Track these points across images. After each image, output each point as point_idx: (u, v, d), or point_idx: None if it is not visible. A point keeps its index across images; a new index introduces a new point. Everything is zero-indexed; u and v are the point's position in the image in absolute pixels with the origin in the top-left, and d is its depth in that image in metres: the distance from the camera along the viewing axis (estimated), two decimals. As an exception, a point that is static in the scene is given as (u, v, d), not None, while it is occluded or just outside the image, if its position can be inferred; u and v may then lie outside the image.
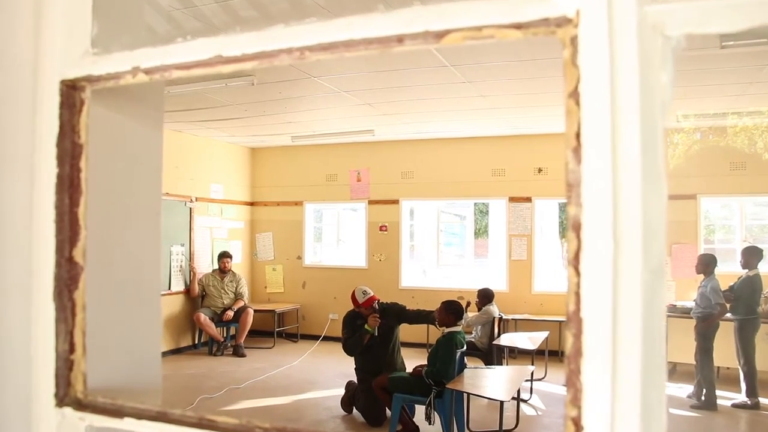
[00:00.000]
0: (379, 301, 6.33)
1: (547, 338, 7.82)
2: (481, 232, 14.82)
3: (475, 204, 11.57)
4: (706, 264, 6.95)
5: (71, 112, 0.90)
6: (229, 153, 11.03)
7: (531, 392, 7.13)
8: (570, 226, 0.62)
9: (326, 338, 10.57)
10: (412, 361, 6.85)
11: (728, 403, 6.86)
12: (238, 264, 10.86)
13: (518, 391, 5.81)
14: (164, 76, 0.83)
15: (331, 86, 6.74)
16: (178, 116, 8.43)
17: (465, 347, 5.77)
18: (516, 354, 8.83)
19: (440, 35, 0.70)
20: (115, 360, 0.97)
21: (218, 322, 9.66)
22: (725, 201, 9.41)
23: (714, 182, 8.87)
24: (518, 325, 9.29)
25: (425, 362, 5.76)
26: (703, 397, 6.78)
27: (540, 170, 9.75)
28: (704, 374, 6.78)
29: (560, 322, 8.79)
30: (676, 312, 7.94)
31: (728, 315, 6.97)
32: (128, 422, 0.83)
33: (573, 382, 0.61)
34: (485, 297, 7.93)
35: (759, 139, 8.50)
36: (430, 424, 5.47)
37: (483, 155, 10.05)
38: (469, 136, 9.99)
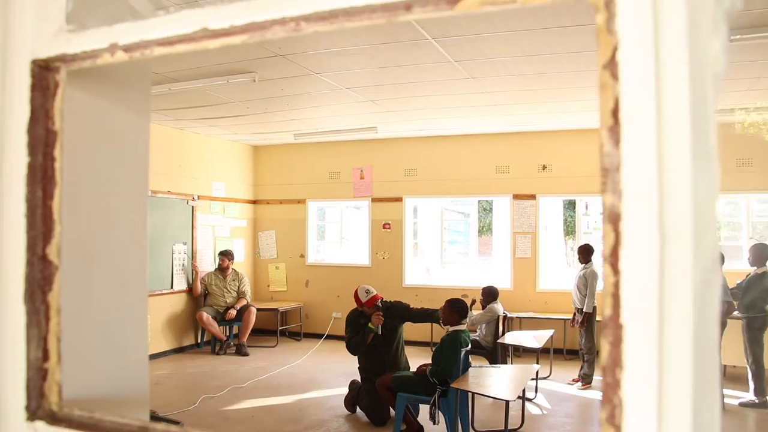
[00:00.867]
0: (382, 299, 6.27)
1: (552, 336, 7.74)
2: (485, 229, 14.73)
3: (479, 201, 11.47)
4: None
5: (44, 95, 0.82)
6: (232, 151, 10.97)
7: (536, 391, 7.06)
8: (606, 218, 0.54)
9: (329, 337, 10.52)
10: (416, 359, 6.78)
11: (736, 402, 6.77)
12: (240, 262, 10.81)
13: (523, 390, 5.73)
14: (145, 54, 0.74)
15: (333, 83, 6.67)
16: (180, 114, 8.37)
17: (470, 346, 5.70)
18: (520, 352, 8.77)
19: (454, 0, 0.61)
20: (96, 368, 0.88)
21: (221, 321, 9.61)
22: (731, 198, 9.30)
23: (723, 180, 8.75)
24: (523, 324, 9.22)
25: (429, 361, 5.69)
26: (710, 396, 6.69)
27: (544, 167, 9.67)
28: (712, 373, 6.68)
29: (565, 320, 8.74)
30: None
31: (735, 313, 6.90)
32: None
33: (609, 398, 0.53)
34: (490, 295, 7.86)
35: (767, 135, 8.41)
36: (434, 423, 5.40)
37: (487, 152, 9.98)
38: (473, 133, 9.91)
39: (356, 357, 6.40)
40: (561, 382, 7.72)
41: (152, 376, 8.02)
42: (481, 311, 7.78)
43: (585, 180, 9.44)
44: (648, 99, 0.52)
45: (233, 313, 9.59)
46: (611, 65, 0.54)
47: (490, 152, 9.96)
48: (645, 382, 0.51)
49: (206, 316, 9.41)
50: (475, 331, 7.74)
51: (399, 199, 10.49)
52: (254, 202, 11.49)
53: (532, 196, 9.75)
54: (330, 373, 8.22)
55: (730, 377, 7.56)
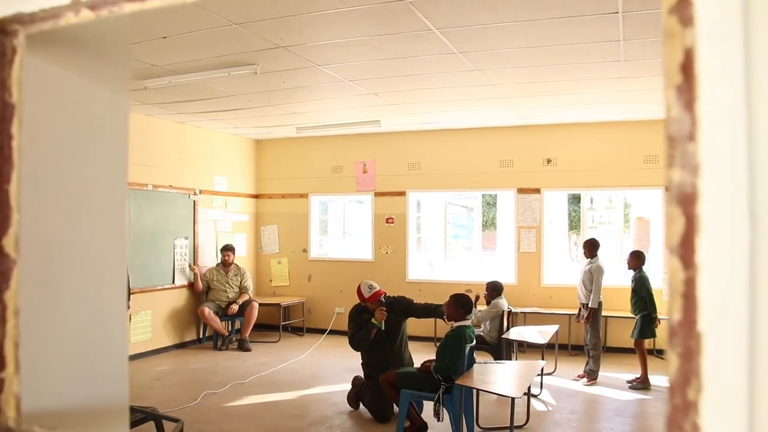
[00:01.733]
0: (385, 294, 6.18)
1: (556, 332, 7.64)
2: (488, 224, 14.63)
3: (482, 195, 11.36)
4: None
5: (-1, 63, 0.71)
6: (233, 145, 10.88)
7: (541, 387, 6.97)
8: (674, 199, 0.44)
9: (332, 332, 10.45)
10: (420, 355, 6.69)
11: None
12: (242, 257, 10.73)
13: (528, 387, 5.64)
14: (113, 11, 0.64)
15: (336, 75, 6.57)
16: (181, 107, 8.28)
17: (474, 342, 5.61)
18: (525, 348, 8.68)
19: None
20: (64, 377, 0.77)
21: (223, 316, 9.54)
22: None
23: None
24: (527, 319, 9.14)
25: (433, 357, 5.60)
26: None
27: (549, 161, 9.58)
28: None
29: (569, 315, 8.66)
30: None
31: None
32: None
33: (678, 423, 0.43)
34: (494, 290, 7.76)
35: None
36: (438, 420, 5.32)
37: (491, 146, 9.88)
38: (477, 127, 9.81)
39: (359, 353, 6.32)
40: (566, 378, 7.63)
41: (153, 371, 7.95)
42: (486, 308, 7.69)
43: (590, 174, 9.34)
44: (734, 47, 0.41)
45: (235, 308, 9.52)
46: (680, 7, 0.44)
47: (494, 146, 9.86)
48: (731, 406, 0.40)
49: (208, 311, 9.34)
50: (480, 327, 7.65)
51: (402, 193, 10.40)
52: (256, 196, 11.40)
53: (537, 190, 9.65)
54: (333, 368, 8.14)
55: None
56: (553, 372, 7.80)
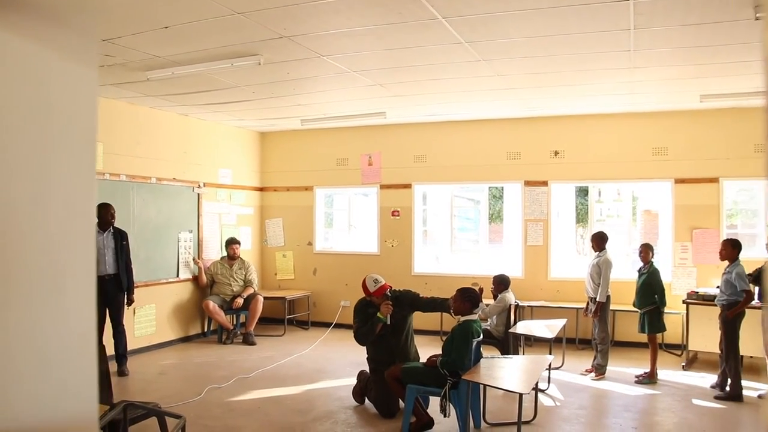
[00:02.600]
0: (391, 288, 6.11)
1: (564, 326, 7.56)
2: (495, 217, 14.54)
3: (489, 188, 11.27)
4: (732, 249, 6.67)
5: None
6: (238, 137, 10.81)
7: (548, 382, 6.91)
8: None
9: (338, 325, 10.42)
10: (426, 349, 6.63)
11: (754, 394, 6.60)
12: (247, 250, 10.69)
13: (536, 382, 5.56)
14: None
15: (340, 66, 6.48)
16: (185, 99, 8.21)
17: (481, 336, 5.54)
18: (532, 342, 8.61)
19: None
20: (17, 390, 0.68)
21: (227, 310, 9.50)
22: (747, 184, 9.07)
23: (737, 165, 8.55)
24: (534, 313, 9.07)
25: (440, 351, 5.54)
26: (727, 388, 6.53)
27: (557, 153, 9.48)
28: (729, 364, 6.53)
29: (577, 309, 8.58)
30: (698, 299, 7.72)
31: (755, 302, 6.72)
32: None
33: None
34: (501, 284, 7.68)
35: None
36: (445, 416, 5.27)
37: (498, 138, 9.79)
38: (484, 118, 9.72)
39: (364, 347, 6.26)
40: (574, 372, 7.56)
41: (157, 365, 7.92)
42: (494, 302, 7.61)
43: (598, 166, 9.25)
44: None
45: (240, 301, 9.48)
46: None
47: (501, 138, 9.77)
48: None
49: (212, 304, 9.30)
50: (486, 321, 7.58)
51: (408, 186, 10.33)
52: (261, 189, 11.35)
53: (544, 183, 9.56)
54: (338, 362, 8.09)
55: (749, 368, 7.38)
56: (560, 366, 7.73)
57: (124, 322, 7.51)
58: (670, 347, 8.64)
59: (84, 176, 0.76)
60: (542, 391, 6.60)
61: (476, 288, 5.76)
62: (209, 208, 10.02)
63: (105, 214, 7.34)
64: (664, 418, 5.91)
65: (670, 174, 8.87)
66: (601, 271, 7.32)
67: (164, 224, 9.05)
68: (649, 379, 7.06)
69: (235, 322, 9.74)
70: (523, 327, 7.35)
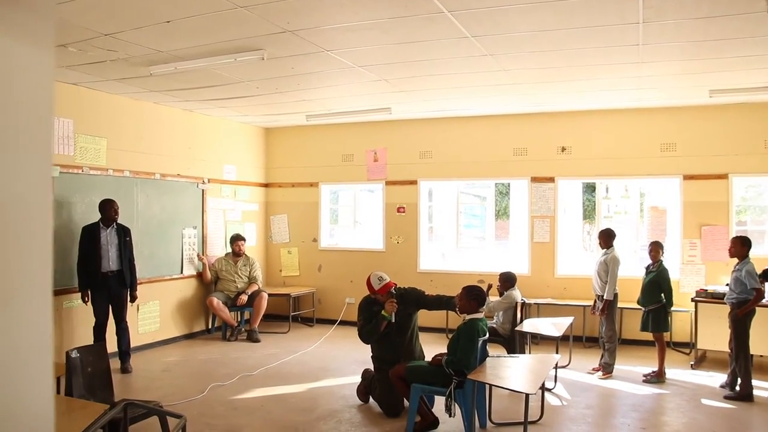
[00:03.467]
0: (396, 286, 6.04)
1: (571, 324, 7.48)
2: (501, 213, 14.45)
3: (495, 184, 11.19)
4: (741, 246, 6.58)
5: None
6: (243, 133, 10.76)
7: (555, 381, 6.83)
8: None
9: (342, 322, 10.37)
10: (431, 347, 6.56)
11: (765, 394, 6.51)
12: (252, 247, 10.65)
13: (543, 381, 5.49)
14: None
15: (345, 61, 6.40)
16: (188, 94, 8.15)
17: (487, 335, 5.47)
18: (538, 340, 8.54)
19: None
20: None
21: (232, 307, 9.46)
22: (756, 180, 8.96)
23: (746, 161, 8.45)
24: (541, 310, 9.00)
25: (445, 350, 5.46)
26: (737, 387, 6.45)
27: (563, 149, 9.39)
28: (739, 363, 6.43)
29: (584, 306, 8.51)
30: (707, 297, 7.62)
31: (765, 300, 6.63)
32: None
33: None
34: (507, 281, 7.61)
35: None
36: (450, 416, 5.19)
37: (504, 134, 9.70)
38: (490, 114, 9.63)
39: (369, 345, 6.19)
40: (581, 371, 7.47)
41: (161, 363, 7.88)
42: (499, 298, 7.54)
43: (605, 162, 9.15)
44: None
45: (244, 298, 9.44)
46: None
47: (508, 134, 9.68)
48: None
49: (217, 301, 9.25)
50: (492, 318, 7.51)
51: (414, 182, 10.26)
52: (266, 185, 11.29)
53: (551, 179, 9.47)
54: (342, 360, 8.03)
55: (759, 368, 7.28)
56: (567, 365, 7.65)
57: (128, 319, 7.48)
58: (678, 346, 8.55)
59: (40, 168, 0.69)
60: (549, 390, 6.53)
61: (483, 285, 5.69)
62: (214, 204, 9.97)
63: (108, 210, 7.31)
64: (673, 418, 5.82)
65: (679, 170, 8.77)
66: (608, 269, 7.24)
67: (168, 220, 9.01)
68: (657, 378, 6.98)
69: (239, 319, 9.69)
70: (529, 325, 7.27)
